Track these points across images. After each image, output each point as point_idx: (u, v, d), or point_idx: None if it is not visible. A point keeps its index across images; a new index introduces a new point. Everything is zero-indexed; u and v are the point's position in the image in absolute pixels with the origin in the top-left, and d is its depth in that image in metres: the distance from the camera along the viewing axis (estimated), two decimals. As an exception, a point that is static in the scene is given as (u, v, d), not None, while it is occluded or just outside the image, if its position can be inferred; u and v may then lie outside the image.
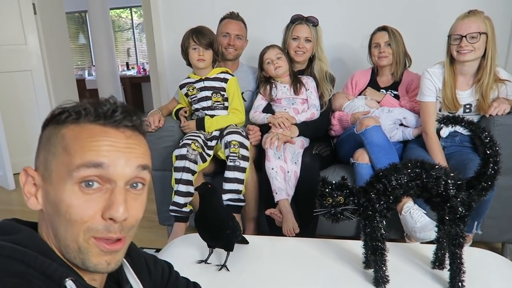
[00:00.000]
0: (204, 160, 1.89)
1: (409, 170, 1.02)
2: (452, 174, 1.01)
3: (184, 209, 1.84)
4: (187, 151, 1.81)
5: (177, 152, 1.84)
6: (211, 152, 1.94)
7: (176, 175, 1.82)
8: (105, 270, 0.59)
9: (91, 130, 0.57)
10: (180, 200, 1.82)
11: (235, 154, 1.81)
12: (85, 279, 0.58)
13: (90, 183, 0.55)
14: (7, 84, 3.26)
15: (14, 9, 3.18)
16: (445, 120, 1.04)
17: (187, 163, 1.80)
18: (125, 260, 0.68)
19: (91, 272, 0.58)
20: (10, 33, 3.22)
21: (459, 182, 1.00)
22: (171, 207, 1.85)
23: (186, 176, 1.81)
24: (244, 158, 1.82)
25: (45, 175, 0.57)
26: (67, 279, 0.53)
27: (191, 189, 1.82)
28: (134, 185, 0.59)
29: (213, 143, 1.96)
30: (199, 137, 1.91)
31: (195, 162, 1.83)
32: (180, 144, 1.86)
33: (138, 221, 0.61)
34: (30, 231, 0.58)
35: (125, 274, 0.68)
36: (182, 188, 1.82)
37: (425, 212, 1.61)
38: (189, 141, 1.85)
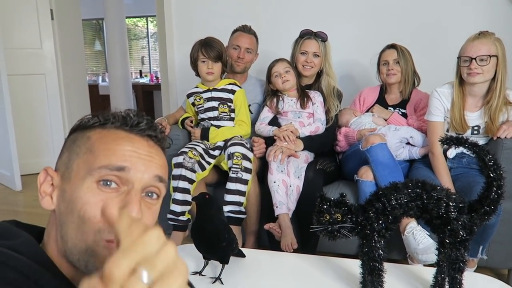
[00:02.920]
0: (203, 169, 1.89)
1: (409, 190, 0.99)
2: (454, 196, 0.99)
3: (181, 218, 1.83)
4: (184, 159, 1.82)
5: (174, 160, 1.84)
6: (212, 161, 1.93)
7: (173, 183, 1.82)
8: None
9: (116, 134, 0.60)
10: (177, 208, 1.82)
11: (237, 166, 1.80)
12: None
13: (108, 182, 0.57)
14: (21, 87, 3.32)
15: (32, 14, 3.27)
16: (448, 141, 1.03)
17: (183, 171, 1.81)
18: None
19: None
20: (27, 37, 3.30)
21: (460, 205, 0.98)
22: (169, 215, 1.84)
23: (182, 184, 1.81)
24: (247, 170, 1.81)
25: (65, 174, 0.59)
26: None
27: (188, 197, 1.82)
28: (150, 194, 0.61)
29: (216, 152, 1.95)
30: (199, 145, 1.91)
31: (193, 171, 1.83)
32: (178, 152, 1.86)
33: None
34: (28, 237, 0.57)
35: None
36: (179, 196, 1.81)
37: (429, 233, 1.58)
38: (187, 149, 1.85)
